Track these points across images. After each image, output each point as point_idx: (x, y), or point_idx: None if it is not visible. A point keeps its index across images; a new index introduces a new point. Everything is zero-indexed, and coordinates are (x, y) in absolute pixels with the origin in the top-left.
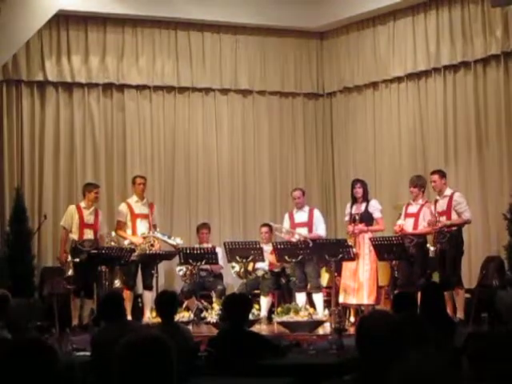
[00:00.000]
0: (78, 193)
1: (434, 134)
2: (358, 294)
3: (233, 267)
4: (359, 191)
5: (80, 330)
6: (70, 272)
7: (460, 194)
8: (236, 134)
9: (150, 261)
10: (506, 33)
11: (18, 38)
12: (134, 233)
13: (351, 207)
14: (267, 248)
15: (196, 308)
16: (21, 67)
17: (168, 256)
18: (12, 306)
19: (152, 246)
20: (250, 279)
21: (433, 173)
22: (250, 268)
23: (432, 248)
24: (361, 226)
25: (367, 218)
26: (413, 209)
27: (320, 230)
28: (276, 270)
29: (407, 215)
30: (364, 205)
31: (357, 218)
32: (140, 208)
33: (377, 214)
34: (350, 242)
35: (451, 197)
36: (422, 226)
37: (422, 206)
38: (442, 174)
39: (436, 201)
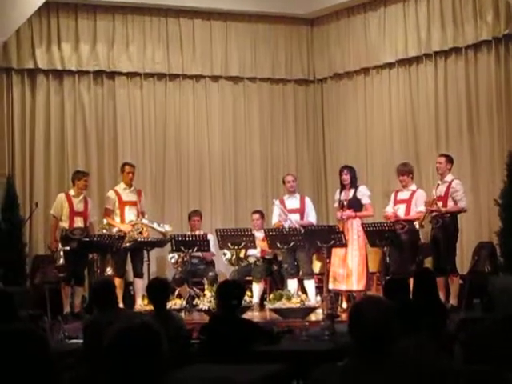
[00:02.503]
0: (69, 180)
1: (425, 120)
2: (347, 280)
3: (224, 254)
4: (346, 178)
5: (72, 318)
6: (62, 260)
7: (459, 182)
8: (227, 120)
9: (139, 248)
10: (497, 18)
11: (8, 26)
12: (122, 220)
13: (340, 193)
14: (259, 235)
15: (188, 295)
16: (11, 55)
17: (159, 243)
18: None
19: (141, 233)
20: (242, 266)
21: (441, 155)
22: (241, 255)
23: (417, 226)
24: (349, 212)
25: (356, 204)
26: (404, 195)
27: (311, 217)
28: (268, 257)
29: (397, 201)
30: (352, 191)
31: (345, 203)
32: (128, 195)
33: (365, 200)
34: (340, 226)
35: (450, 183)
36: (415, 212)
37: (414, 192)
38: (449, 159)
39: (437, 185)
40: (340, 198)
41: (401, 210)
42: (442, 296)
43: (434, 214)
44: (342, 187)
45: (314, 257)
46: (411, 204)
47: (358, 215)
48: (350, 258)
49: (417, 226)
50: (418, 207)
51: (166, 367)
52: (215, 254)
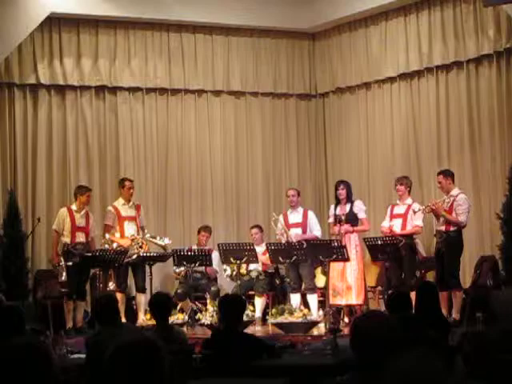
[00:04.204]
0: (71, 195)
1: (427, 134)
2: (346, 294)
3: (225, 270)
4: (342, 193)
5: (74, 333)
6: (64, 276)
7: (464, 197)
8: (229, 135)
9: (140, 263)
10: (499, 32)
11: (11, 41)
12: (122, 235)
13: (335, 208)
14: (259, 249)
15: (190, 310)
16: (13, 70)
17: (162, 258)
18: None
19: (140, 247)
20: (244, 280)
21: (438, 174)
22: (242, 270)
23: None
24: (347, 227)
25: (352, 219)
26: (400, 209)
27: (316, 231)
28: (270, 271)
29: (394, 216)
30: (348, 206)
31: (342, 218)
32: (127, 211)
33: (361, 215)
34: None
35: (455, 197)
36: (411, 226)
37: (410, 206)
38: (446, 174)
39: (444, 200)
40: (335, 212)
41: (397, 225)
42: (444, 310)
43: (434, 211)
44: (338, 202)
45: (319, 270)
46: (407, 218)
47: (355, 230)
48: (349, 272)
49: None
50: (415, 221)
51: (168, 383)
52: (218, 271)
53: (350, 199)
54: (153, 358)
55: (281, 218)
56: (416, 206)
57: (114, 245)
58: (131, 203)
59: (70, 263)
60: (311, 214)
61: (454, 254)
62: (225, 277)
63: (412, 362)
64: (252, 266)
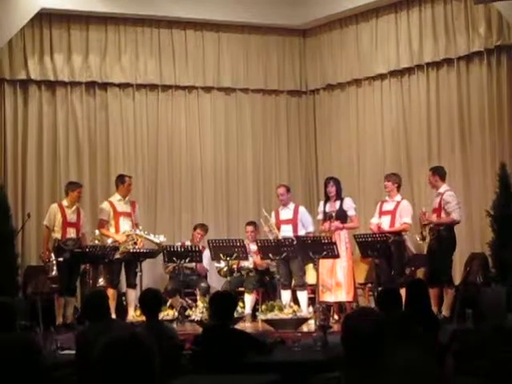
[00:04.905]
0: (62, 191)
1: (417, 131)
2: (336, 291)
3: (218, 268)
4: (332, 190)
5: (64, 329)
6: (54, 271)
7: (451, 194)
8: (219, 131)
9: (133, 259)
10: (489, 30)
11: (1, 37)
12: (117, 231)
13: (324, 205)
14: (253, 247)
15: (180, 306)
16: (3, 66)
17: (152, 254)
18: None
19: (135, 243)
20: (234, 277)
21: (429, 170)
22: (234, 266)
23: (418, 238)
24: (337, 224)
25: (342, 216)
26: (389, 206)
27: (310, 227)
28: (260, 269)
29: (383, 213)
30: (338, 203)
31: (333, 215)
32: (123, 206)
33: (351, 212)
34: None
35: (443, 195)
36: (399, 224)
37: (399, 203)
38: (434, 171)
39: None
40: (325, 209)
41: (385, 222)
42: (434, 307)
43: (430, 225)
44: (327, 199)
45: (311, 266)
46: (396, 215)
47: (345, 226)
48: (339, 269)
49: (417, 239)
50: (403, 218)
51: (158, 380)
52: (208, 269)
53: (339, 196)
54: (141, 355)
55: (273, 215)
56: (406, 218)
57: (109, 240)
58: (126, 199)
59: (61, 259)
60: (302, 210)
61: (445, 251)
62: (217, 271)
63: (405, 359)
64: (243, 264)
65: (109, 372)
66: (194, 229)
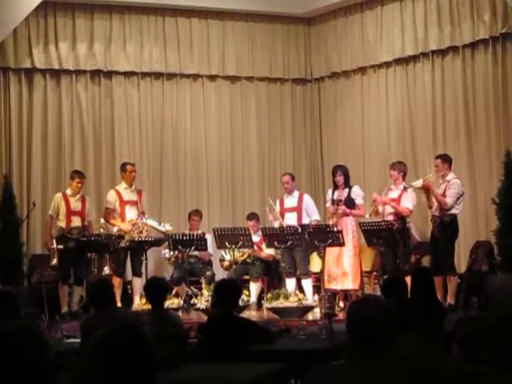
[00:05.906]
0: (67, 180)
1: (423, 119)
2: (342, 279)
3: (221, 260)
4: (340, 179)
5: (70, 317)
6: (55, 260)
7: (457, 182)
8: (224, 120)
9: (139, 247)
10: (494, 17)
11: (6, 26)
12: (123, 219)
13: (332, 193)
14: (256, 238)
15: (185, 294)
16: (8, 54)
17: (157, 242)
18: None
19: (141, 232)
20: (240, 265)
21: (436, 157)
22: (240, 258)
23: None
24: (344, 208)
25: (350, 204)
26: (393, 194)
27: (314, 215)
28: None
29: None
30: (346, 191)
31: (342, 199)
32: (129, 195)
33: (359, 201)
34: (333, 222)
35: (449, 182)
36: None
37: (403, 191)
38: (445, 159)
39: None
40: (333, 197)
41: (389, 209)
42: (439, 295)
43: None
44: (335, 187)
45: (315, 254)
46: (400, 203)
47: (351, 212)
48: (345, 257)
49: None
50: (405, 203)
51: (157, 371)
52: (212, 254)
53: (347, 184)
54: (138, 346)
55: (277, 203)
56: (408, 204)
57: (115, 229)
58: (133, 188)
59: (61, 247)
60: (307, 198)
61: (447, 238)
62: (220, 263)
63: (408, 346)
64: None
65: (103, 363)
66: (189, 217)
